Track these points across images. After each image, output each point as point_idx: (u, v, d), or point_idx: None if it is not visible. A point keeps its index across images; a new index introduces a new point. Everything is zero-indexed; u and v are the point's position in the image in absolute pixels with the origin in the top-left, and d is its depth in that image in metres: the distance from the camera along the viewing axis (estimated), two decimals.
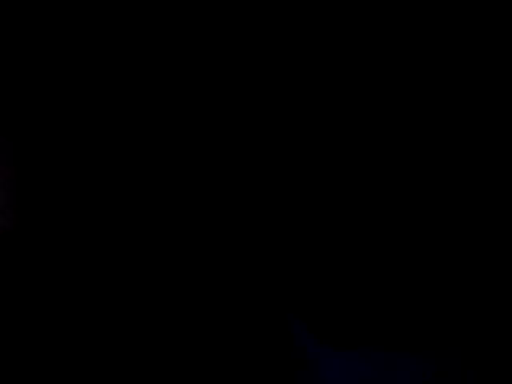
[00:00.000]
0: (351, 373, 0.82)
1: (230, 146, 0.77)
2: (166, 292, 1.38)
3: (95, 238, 0.73)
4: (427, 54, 0.65)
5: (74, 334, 1.17)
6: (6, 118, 0.72)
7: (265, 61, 0.69)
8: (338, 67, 0.69)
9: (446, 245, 0.70)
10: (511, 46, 0.60)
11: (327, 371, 0.84)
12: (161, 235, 1.22)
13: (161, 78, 0.72)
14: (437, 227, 0.70)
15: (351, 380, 0.83)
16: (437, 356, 0.73)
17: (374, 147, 0.68)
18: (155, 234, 1.28)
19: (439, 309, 0.74)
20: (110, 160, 0.69)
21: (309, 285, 0.80)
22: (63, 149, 0.69)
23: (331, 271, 0.80)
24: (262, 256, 0.81)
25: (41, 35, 0.70)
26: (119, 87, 0.72)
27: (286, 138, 0.73)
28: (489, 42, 0.62)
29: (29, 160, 0.74)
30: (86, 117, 0.71)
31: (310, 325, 0.80)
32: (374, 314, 0.76)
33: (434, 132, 0.68)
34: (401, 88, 0.67)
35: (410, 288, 0.76)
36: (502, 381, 0.69)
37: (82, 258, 0.78)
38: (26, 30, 0.70)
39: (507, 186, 0.65)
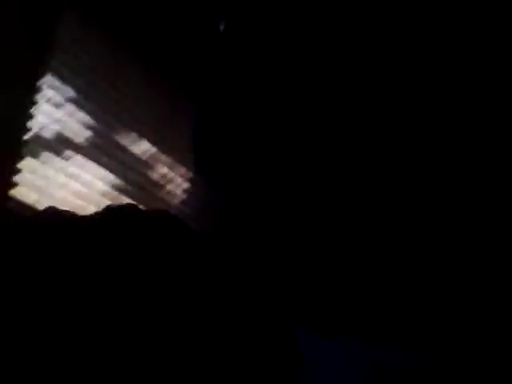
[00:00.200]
0: (350, 369, 0.83)
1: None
2: (167, 292, 1.39)
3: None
4: (427, 54, 0.65)
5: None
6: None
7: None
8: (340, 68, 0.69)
9: (436, 243, 0.70)
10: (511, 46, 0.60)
11: (325, 369, 0.85)
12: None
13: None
14: (428, 224, 0.70)
15: (350, 376, 0.84)
16: (433, 352, 0.73)
17: (373, 148, 0.68)
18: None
19: (437, 310, 0.75)
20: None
21: (307, 285, 0.81)
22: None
23: (329, 272, 0.81)
24: (262, 257, 0.82)
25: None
26: None
27: (286, 138, 0.74)
28: (489, 42, 0.62)
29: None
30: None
31: (310, 324, 0.80)
32: (371, 314, 0.77)
33: (435, 133, 0.68)
34: (401, 89, 0.67)
35: (408, 289, 0.76)
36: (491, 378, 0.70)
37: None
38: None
39: (507, 187, 0.65)
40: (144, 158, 2.00)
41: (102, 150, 1.84)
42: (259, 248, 0.82)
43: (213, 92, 0.78)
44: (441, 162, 0.69)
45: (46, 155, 1.66)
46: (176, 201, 2.07)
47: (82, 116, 1.79)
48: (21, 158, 1.57)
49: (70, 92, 1.76)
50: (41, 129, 1.65)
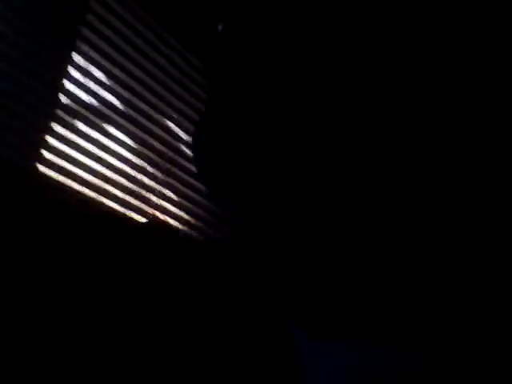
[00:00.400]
0: (344, 369, 0.85)
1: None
2: (167, 293, 1.43)
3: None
4: (427, 55, 0.62)
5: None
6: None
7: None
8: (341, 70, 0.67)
9: (434, 246, 0.69)
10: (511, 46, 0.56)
11: (322, 368, 0.87)
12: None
13: None
14: (425, 228, 0.69)
15: (349, 378, 0.85)
16: (427, 351, 0.74)
17: (371, 149, 0.67)
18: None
19: (434, 312, 0.75)
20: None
21: (306, 289, 0.81)
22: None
23: (327, 276, 0.81)
24: (262, 260, 0.82)
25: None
26: None
27: (285, 138, 0.73)
28: (489, 43, 0.59)
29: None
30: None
31: (309, 327, 0.81)
32: (369, 317, 0.77)
33: (435, 133, 0.66)
34: (402, 92, 0.65)
35: (405, 292, 0.76)
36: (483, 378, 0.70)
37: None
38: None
39: (507, 187, 0.63)
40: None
41: (130, 120, 1.86)
42: (259, 252, 0.83)
43: (214, 93, 0.77)
44: (441, 162, 0.67)
45: (77, 124, 1.69)
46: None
47: (113, 85, 1.81)
48: (51, 127, 1.62)
49: (101, 62, 1.77)
50: (71, 98, 1.68)
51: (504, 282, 0.67)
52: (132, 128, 1.87)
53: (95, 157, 1.74)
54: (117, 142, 1.82)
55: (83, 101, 1.73)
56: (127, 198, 1.82)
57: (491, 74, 0.62)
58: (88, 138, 1.73)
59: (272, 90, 0.71)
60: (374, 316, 0.77)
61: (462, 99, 0.65)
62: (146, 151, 1.92)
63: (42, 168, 1.58)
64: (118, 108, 1.84)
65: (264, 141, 0.74)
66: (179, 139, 2.07)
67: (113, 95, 1.83)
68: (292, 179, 0.75)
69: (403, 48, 0.64)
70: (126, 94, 1.86)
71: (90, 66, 1.75)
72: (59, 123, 1.64)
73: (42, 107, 1.60)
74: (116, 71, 1.83)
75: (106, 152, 1.78)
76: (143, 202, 1.88)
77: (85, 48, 1.73)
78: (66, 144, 1.66)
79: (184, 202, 2.02)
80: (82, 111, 1.72)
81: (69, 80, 1.68)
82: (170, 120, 2.03)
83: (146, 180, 1.90)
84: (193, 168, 2.03)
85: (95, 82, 1.77)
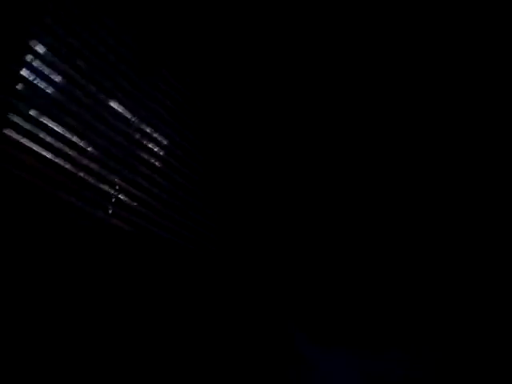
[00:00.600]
0: (344, 372, 0.87)
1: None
2: (168, 294, 1.40)
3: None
4: (428, 55, 0.66)
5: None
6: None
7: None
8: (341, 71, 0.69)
9: (432, 249, 0.72)
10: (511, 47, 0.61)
11: (322, 371, 0.88)
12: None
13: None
14: (424, 232, 0.72)
15: (344, 378, 0.87)
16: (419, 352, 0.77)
17: (371, 151, 0.69)
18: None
19: (433, 318, 0.78)
20: None
21: (307, 296, 0.83)
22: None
23: (328, 283, 0.83)
24: (263, 265, 0.82)
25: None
26: None
27: (285, 139, 0.74)
28: (489, 43, 0.63)
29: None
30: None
31: (306, 327, 0.83)
32: (369, 323, 0.79)
33: (435, 135, 0.70)
34: (403, 95, 0.68)
35: (405, 298, 0.79)
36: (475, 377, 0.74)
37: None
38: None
39: (507, 187, 0.67)
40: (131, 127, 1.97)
41: (89, 111, 1.79)
42: (260, 257, 0.83)
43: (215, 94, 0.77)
44: (441, 162, 0.70)
45: (33, 112, 1.61)
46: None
47: (71, 73, 1.73)
48: (6, 114, 1.52)
49: (61, 50, 1.70)
50: (29, 85, 1.59)
51: (504, 283, 0.71)
52: (91, 119, 1.80)
53: (47, 144, 1.66)
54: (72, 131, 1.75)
55: (40, 90, 1.64)
56: (81, 189, 1.74)
57: (491, 74, 0.67)
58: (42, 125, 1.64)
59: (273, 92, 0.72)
60: (374, 320, 0.79)
61: (461, 99, 0.69)
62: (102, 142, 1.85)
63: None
64: (75, 97, 1.76)
65: (264, 146, 0.75)
66: (132, 127, 2.02)
67: (70, 83, 1.75)
68: (291, 183, 0.77)
69: (403, 48, 0.68)
70: (71, 86, 1.79)
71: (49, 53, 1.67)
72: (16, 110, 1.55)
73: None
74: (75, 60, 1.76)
75: (61, 141, 1.70)
76: (99, 194, 1.81)
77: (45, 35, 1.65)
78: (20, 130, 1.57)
79: (144, 197, 1.96)
80: (40, 99, 1.63)
81: (28, 69, 1.59)
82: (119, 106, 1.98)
83: (103, 172, 1.84)
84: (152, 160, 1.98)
85: (54, 72, 1.69)
